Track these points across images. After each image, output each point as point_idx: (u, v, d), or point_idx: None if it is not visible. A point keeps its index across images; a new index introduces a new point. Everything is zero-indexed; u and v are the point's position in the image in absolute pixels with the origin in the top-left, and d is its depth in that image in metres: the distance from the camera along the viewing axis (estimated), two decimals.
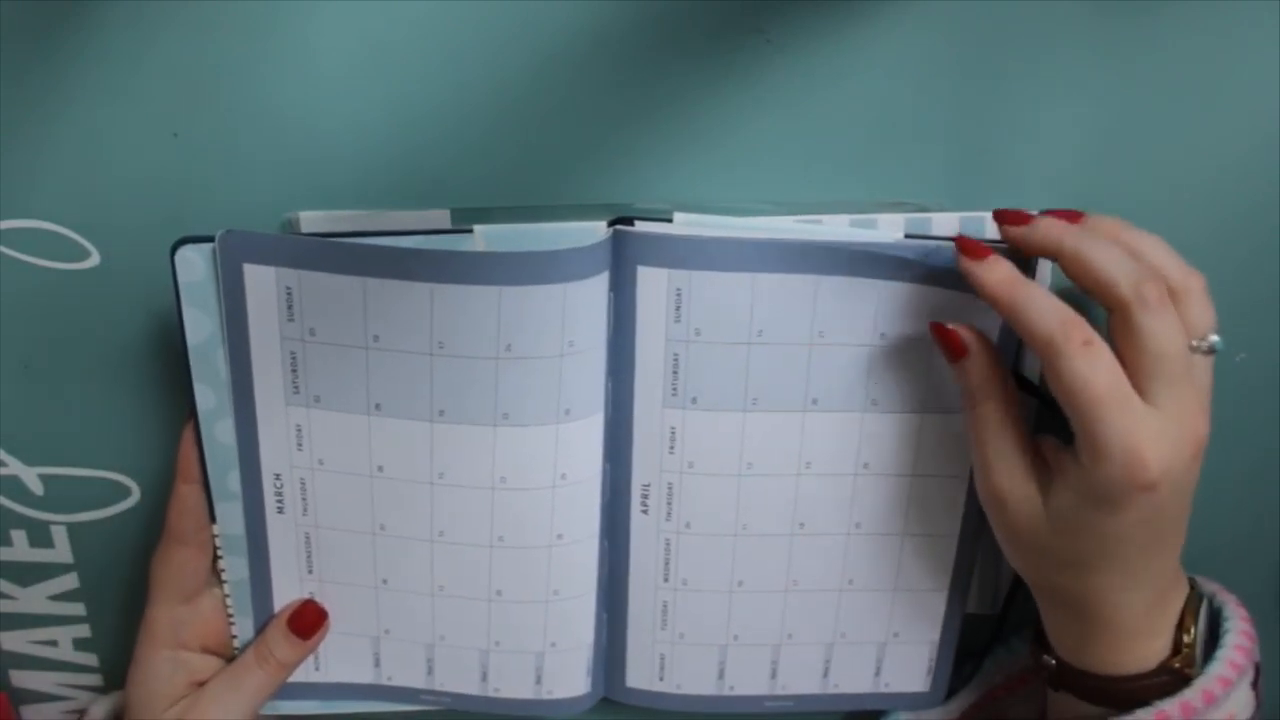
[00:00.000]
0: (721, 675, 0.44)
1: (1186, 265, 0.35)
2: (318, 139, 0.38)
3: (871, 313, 0.38)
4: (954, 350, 0.37)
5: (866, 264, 0.37)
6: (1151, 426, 0.32)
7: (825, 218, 0.38)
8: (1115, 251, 0.34)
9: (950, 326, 0.37)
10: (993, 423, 0.36)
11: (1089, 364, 0.32)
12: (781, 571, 0.42)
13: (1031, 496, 0.35)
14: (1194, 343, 0.34)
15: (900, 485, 0.41)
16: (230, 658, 0.42)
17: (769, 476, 0.40)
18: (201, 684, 0.40)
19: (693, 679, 0.44)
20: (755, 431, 0.40)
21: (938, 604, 0.43)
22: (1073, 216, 0.36)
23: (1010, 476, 0.36)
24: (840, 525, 0.41)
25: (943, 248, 0.37)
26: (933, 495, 0.41)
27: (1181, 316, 0.33)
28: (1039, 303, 0.33)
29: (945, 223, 0.38)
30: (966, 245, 0.35)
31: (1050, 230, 0.35)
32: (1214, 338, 0.34)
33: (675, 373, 0.39)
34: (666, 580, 0.42)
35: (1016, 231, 0.35)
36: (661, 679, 0.44)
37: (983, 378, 0.36)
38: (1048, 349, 0.33)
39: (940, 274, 0.37)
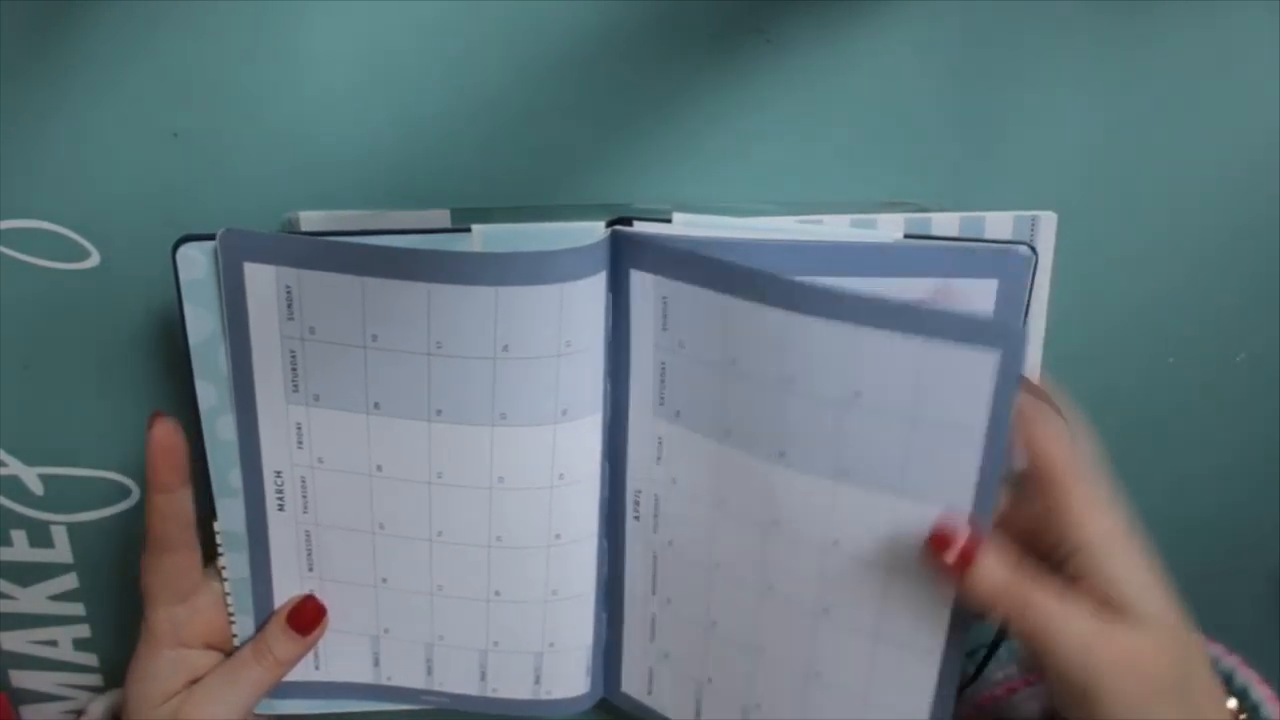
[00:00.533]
0: (698, 715, 0.43)
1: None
2: (318, 139, 0.38)
3: (845, 365, 0.35)
4: (957, 566, 0.33)
5: (843, 307, 0.34)
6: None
7: (825, 217, 0.38)
8: None
9: (949, 534, 0.34)
10: (1046, 615, 0.32)
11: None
12: (752, 631, 0.40)
13: (1111, 633, 0.32)
14: None
15: (874, 576, 0.37)
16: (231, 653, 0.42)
17: (742, 523, 0.38)
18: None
19: (675, 704, 0.43)
20: (730, 466, 0.38)
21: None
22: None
23: (1101, 639, 0.32)
24: (806, 601, 0.38)
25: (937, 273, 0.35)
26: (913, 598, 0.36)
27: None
28: (1057, 614, 0.32)
29: (945, 222, 0.38)
30: (938, 542, 0.34)
31: None
32: None
33: (662, 382, 0.38)
34: (654, 593, 0.42)
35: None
36: (650, 693, 0.44)
37: (1011, 582, 0.33)
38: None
39: (930, 322, 0.33)
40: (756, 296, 0.35)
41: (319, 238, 0.37)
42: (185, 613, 0.40)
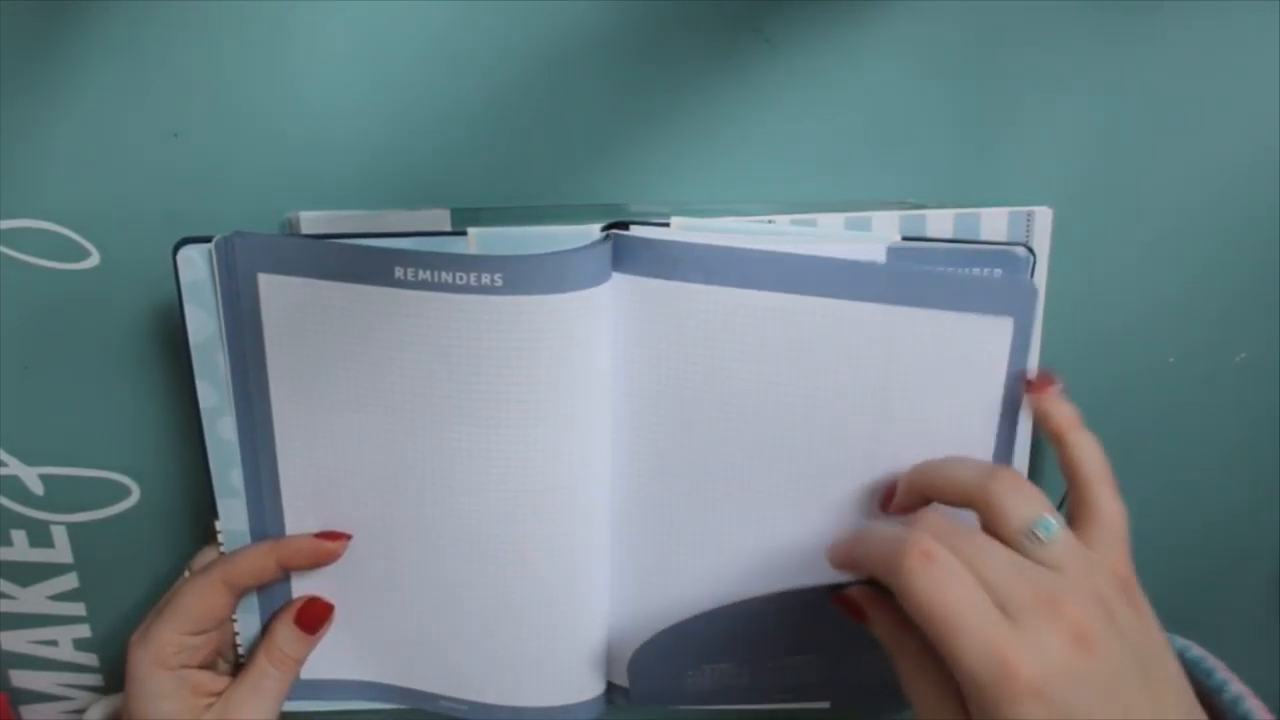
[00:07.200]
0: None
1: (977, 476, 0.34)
2: (317, 139, 0.38)
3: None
4: (854, 615, 0.36)
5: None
6: (1012, 631, 0.30)
7: (820, 216, 0.38)
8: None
9: (849, 594, 0.36)
10: (912, 672, 0.33)
11: (933, 580, 0.30)
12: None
13: None
14: (1024, 537, 0.32)
15: None
16: (233, 658, 0.42)
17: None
18: (206, 694, 0.40)
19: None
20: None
21: None
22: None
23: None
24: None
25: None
26: None
27: (994, 525, 0.32)
28: (873, 535, 0.33)
29: (940, 220, 0.38)
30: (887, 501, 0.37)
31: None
32: (1042, 525, 0.32)
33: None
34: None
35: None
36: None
37: (889, 632, 0.35)
38: (888, 574, 0.31)
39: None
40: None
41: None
42: (198, 641, 0.40)
